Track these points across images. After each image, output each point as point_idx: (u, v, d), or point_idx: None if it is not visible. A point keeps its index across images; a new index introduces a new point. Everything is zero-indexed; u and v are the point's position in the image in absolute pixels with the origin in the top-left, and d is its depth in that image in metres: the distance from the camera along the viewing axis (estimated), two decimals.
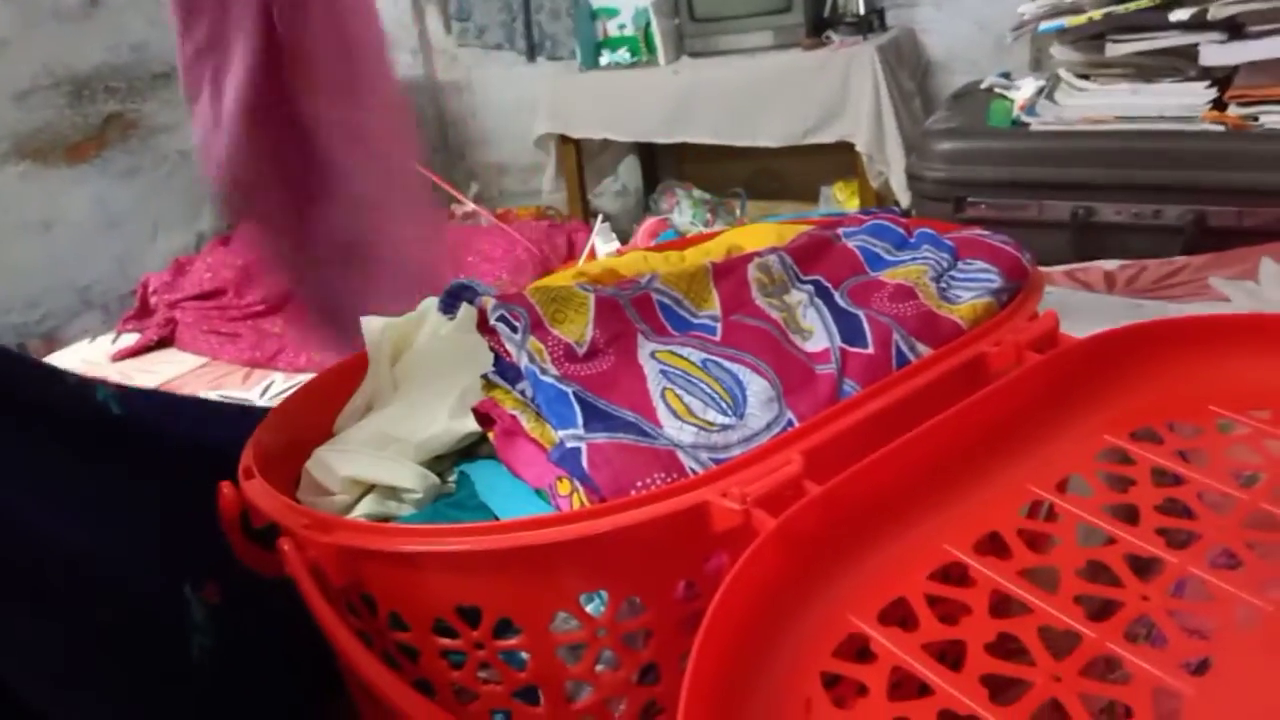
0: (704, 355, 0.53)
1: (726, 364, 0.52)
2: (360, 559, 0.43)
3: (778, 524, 0.39)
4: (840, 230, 0.66)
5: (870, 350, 0.52)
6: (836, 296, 0.58)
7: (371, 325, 0.65)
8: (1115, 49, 1.43)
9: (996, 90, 1.76)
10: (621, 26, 2.92)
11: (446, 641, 0.44)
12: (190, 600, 0.57)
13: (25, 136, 2.56)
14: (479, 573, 0.43)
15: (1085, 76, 1.51)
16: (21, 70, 2.54)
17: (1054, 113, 1.51)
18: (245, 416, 0.67)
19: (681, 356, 0.53)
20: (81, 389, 0.57)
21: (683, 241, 0.76)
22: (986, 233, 0.62)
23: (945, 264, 0.60)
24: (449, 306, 0.66)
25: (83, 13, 2.62)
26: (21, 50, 2.52)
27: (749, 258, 0.60)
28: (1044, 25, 1.49)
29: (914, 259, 0.61)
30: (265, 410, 0.63)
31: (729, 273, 0.59)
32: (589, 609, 0.43)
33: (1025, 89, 1.64)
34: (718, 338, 0.55)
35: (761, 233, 0.71)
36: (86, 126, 2.70)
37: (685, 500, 0.42)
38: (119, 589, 0.54)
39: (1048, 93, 1.57)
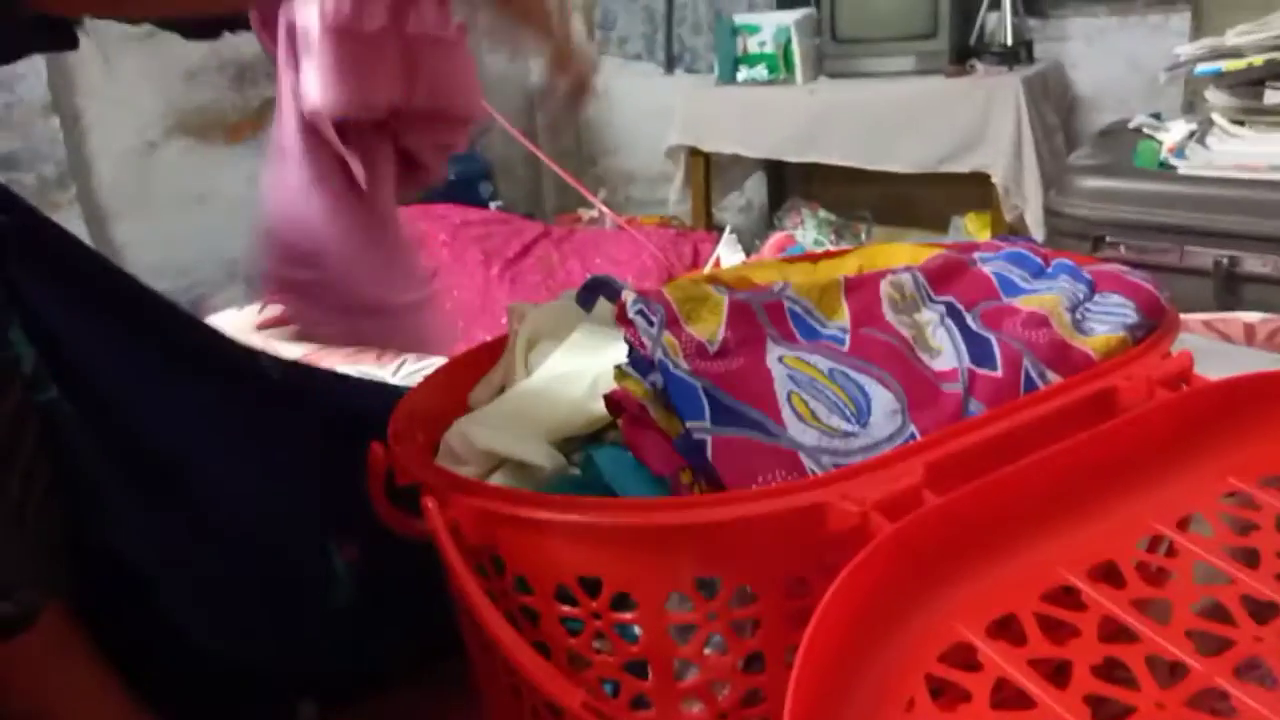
0: (831, 364, 0.54)
1: (853, 374, 0.53)
2: (496, 522, 0.46)
3: (894, 529, 0.40)
4: (976, 255, 0.66)
5: (999, 373, 0.53)
6: (968, 318, 0.59)
7: (515, 310, 0.68)
8: (1274, 96, 1.38)
9: (1145, 130, 1.71)
10: (761, 43, 2.93)
11: (566, 609, 0.47)
12: (331, 554, 0.62)
13: (189, 114, 2.73)
14: (603, 546, 0.46)
15: (1240, 123, 1.46)
16: (193, 51, 2.70)
17: (1205, 157, 1.47)
18: (384, 391, 0.73)
19: (809, 364, 0.54)
20: (248, 354, 0.63)
21: (814, 255, 0.77)
22: (1125, 268, 0.62)
23: (1081, 295, 0.60)
24: (587, 300, 0.69)
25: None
26: None
27: (882, 274, 0.61)
28: (1200, 68, 1.45)
29: (1049, 288, 0.61)
30: (401, 388, 0.67)
31: (861, 287, 0.61)
32: (702, 593, 0.46)
33: (1175, 131, 1.60)
34: (846, 348, 0.56)
35: (895, 252, 0.71)
36: (246, 108, 2.85)
37: (804, 498, 0.44)
38: (266, 529, 0.59)
39: (1199, 137, 1.52)
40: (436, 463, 0.59)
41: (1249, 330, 1.11)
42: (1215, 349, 1.05)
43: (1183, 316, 1.12)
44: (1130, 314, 0.57)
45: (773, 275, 0.69)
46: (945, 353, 0.55)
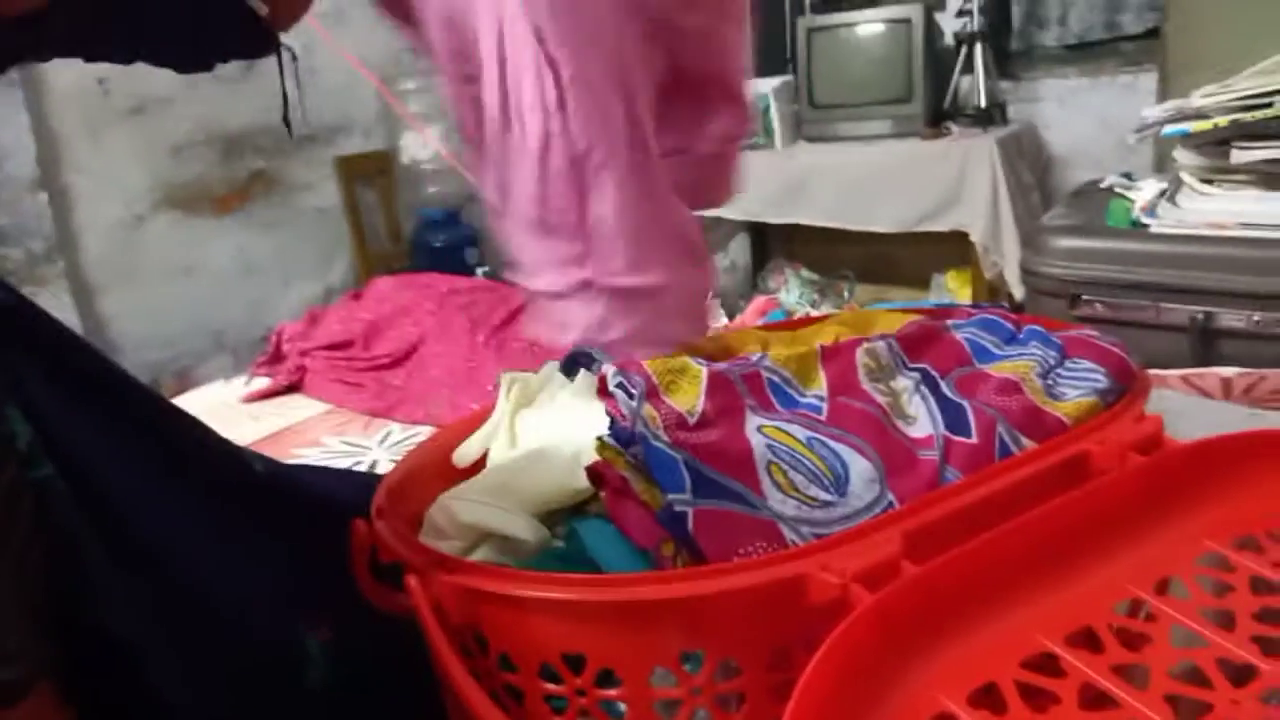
0: (810, 433, 0.55)
1: (831, 443, 0.54)
2: (479, 600, 0.47)
3: (874, 600, 0.40)
4: (949, 321, 0.67)
5: (974, 440, 0.54)
6: (943, 385, 0.60)
7: (506, 378, 0.69)
8: (1241, 156, 1.41)
9: (1117, 190, 1.75)
10: None
11: (551, 686, 0.47)
12: (303, 634, 0.62)
13: (177, 187, 2.76)
14: (586, 622, 0.46)
15: (1209, 181, 1.50)
16: (180, 126, 2.75)
17: (1175, 216, 1.50)
18: (359, 480, 0.74)
19: (787, 433, 0.55)
20: (231, 446, 0.64)
21: (793, 323, 0.79)
22: (1095, 333, 0.63)
23: (1052, 361, 0.61)
24: (569, 370, 0.70)
25: (240, 75, 2.82)
26: (182, 108, 2.73)
27: (857, 342, 0.62)
28: (1168, 130, 1.49)
29: (1021, 354, 0.62)
30: (376, 476, 0.68)
31: (837, 355, 0.62)
32: (686, 667, 0.46)
33: (1147, 190, 1.63)
34: (823, 417, 0.57)
35: (873, 319, 0.73)
36: (233, 180, 2.89)
37: (785, 570, 0.44)
38: (249, 612, 0.59)
39: (1170, 195, 1.55)
40: (420, 538, 0.59)
41: (1226, 384, 1.13)
42: (1193, 404, 1.06)
43: (1161, 372, 1.14)
44: (1101, 379, 0.58)
45: (752, 344, 0.70)
46: (921, 420, 0.56)
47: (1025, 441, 0.54)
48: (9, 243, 2.38)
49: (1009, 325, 0.67)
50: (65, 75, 2.44)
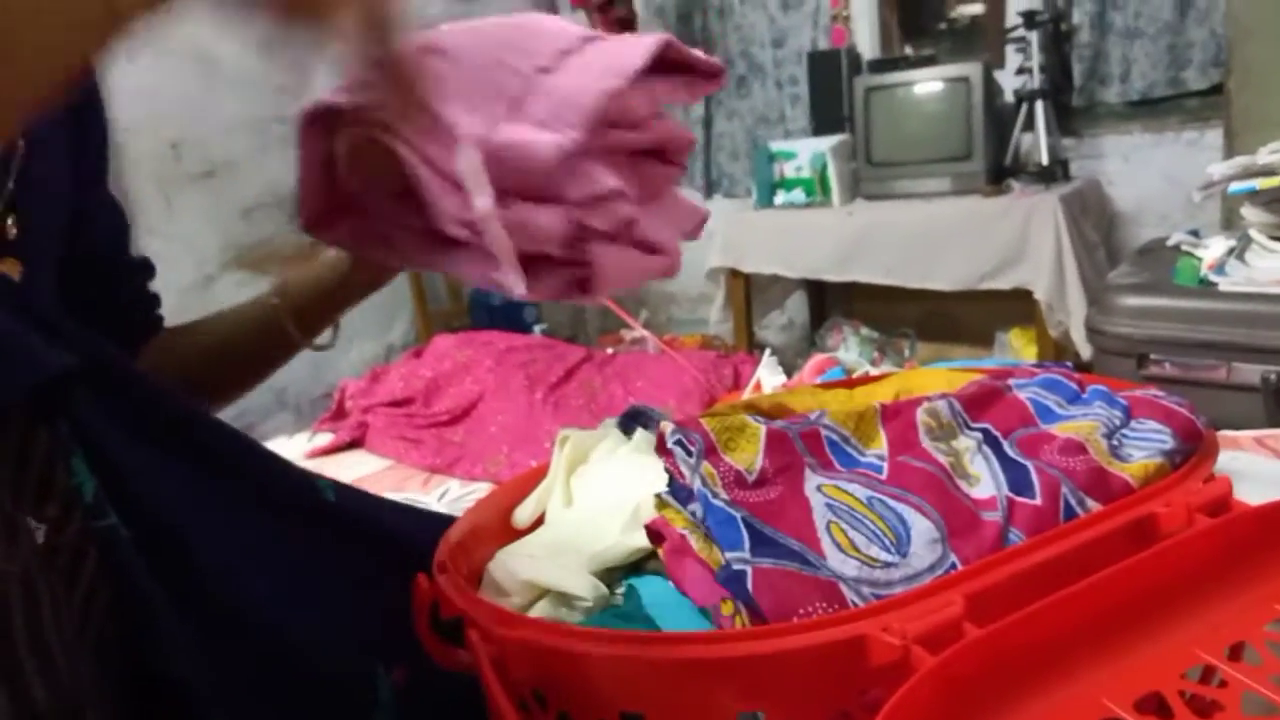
0: (870, 493, 0.55)
1: (892, 503, 0.54)
2: (539, 656, 0.47)
3: (936, 663, 0.40)
4: (1011, 381, 0.67)
5: (1038, 501, 0.53)
6: (1005, 446, 0.59)
7: (562, 436, 0.70)
8: None
9: (1184, 247, 1.72)
10: (798, 168, 3.01)
11: None
12: (380, 680, 0.62)
13: (245, 249, 2.84)
14: (645, 681, 0.46)
15: (1279, 238, 1.47)
16: (249, 189, 2.84)
17: (1245, 274, 1.47)
18: (429, 519, 0.74)
19: (847, 492, 0.55)
20: (305, 477, 0.65)
21: (850, 381, 0.79)
22: (1161, 393, 0.62)
23: (1118, 421, 0.60)
24: (628, 428, 0.71)
25: None
26: (252, 172, 2.82)
27: (918, 401, 0.62)
28: (1234, 187, 1.47)
29: (1085, 415, 0.61)
30: (446, 516, 0.68)
31: (897, 414, 0.62)
32: None
33: (1214, 248, 1.61)
34: (884, 476, 0.57)
35: (931, 377, 0.72)
36: (300, 242, 2.96)
37: (845, 631, 0.44)
38: (317, 657, 0.60)
39: (1238, 253, 1.53)
40: (480, 594, 0.60)
41: None
42: (1266, 467, 1.03)
43: (1233, 434, 1.11)
44: (1167, 439, 0.57)
45: (809, 402, 0.70)
46: (984, 480, 0.56)
47: (1090, 503, 0.53)
48: None
49: (1072, 385, 0.66)
50: (138, 140, 2.54)
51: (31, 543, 0.48)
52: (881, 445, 0.60)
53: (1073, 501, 0.53)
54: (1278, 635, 0.43)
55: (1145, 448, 0.57)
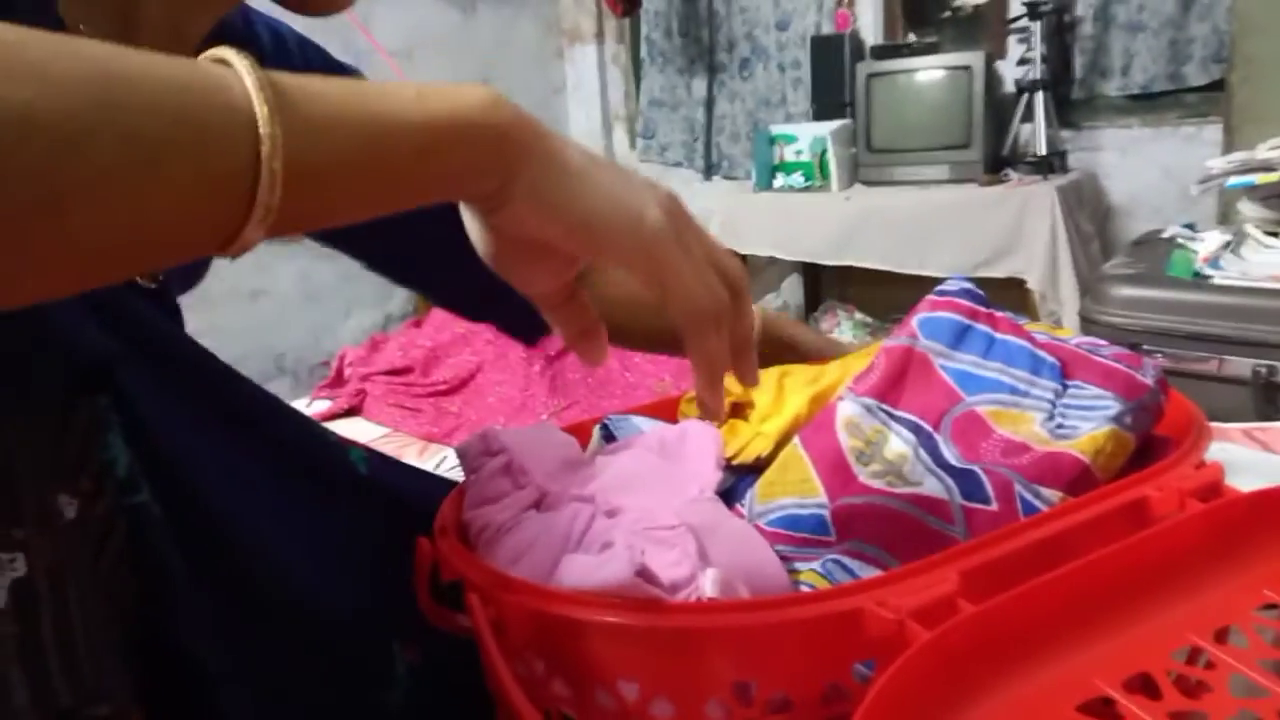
0: (823, 559, 0.54)
1: (848, 562, 0.53)
2: (536, 620, 0.48)
3: (930, 638, 0.41)
4: (917, 337, 0.64)
5: (994, 507, 0.53)
6: (941, 444, 0.58)
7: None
8: None
9: (1179, 240, 1.73)
10: (798, 152, 3.01)
11: (605, 710, 0.48)
12: (396, 655, 0.62)
13: None
14: (641, 648, 0.47)
15: (1274, 234, 1.48)
16: None
17: (1239, 268, 1.48)
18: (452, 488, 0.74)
19: (800, 571, 0.54)
20: (340, 447, 0.65)
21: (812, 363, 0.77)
22: (1095, 343, 0.62)
23: (1053, 394, 0.59)
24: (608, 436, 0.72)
25: None
26: None
27: (831, 417, 0.60)
28: (1232, 181, 1.48)
29: (1018, 405, 0.60)
30: None
31: (816, 435, 0.60)
32: (740, 699, 0.46)
33: (1210, 242, 1.61)
34: (833, 537, 0.56)
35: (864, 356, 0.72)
36: None
37: (841, 604, 0.45)
38: (340, 634, 0.60)
39: (1234, 247, 1.54)
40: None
41: None
42: (1256, 458, 1.05)
43: (1224, 426, 1.12)
44: (1111, 403, 0.56)
45: (765, 398, 0.69)
46: (927, 482, 0.55)
47: (1047, 493, 0.53)
48: None
49: (982, 327, 0.64)
50: None
51: (62, 525, 0.47)
52: (819, 492, 0.58)
53: (1029, 496, 0.53)
54: (1265, 620, 0.44)
55: (1091, 418, 0.56)
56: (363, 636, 0.61)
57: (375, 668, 0.62)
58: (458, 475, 0.66)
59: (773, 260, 3.16)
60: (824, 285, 3.53)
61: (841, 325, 3.19)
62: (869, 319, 3.24)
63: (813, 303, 3.51)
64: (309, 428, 0.65)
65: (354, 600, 0.61)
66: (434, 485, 0.71)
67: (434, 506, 0.64)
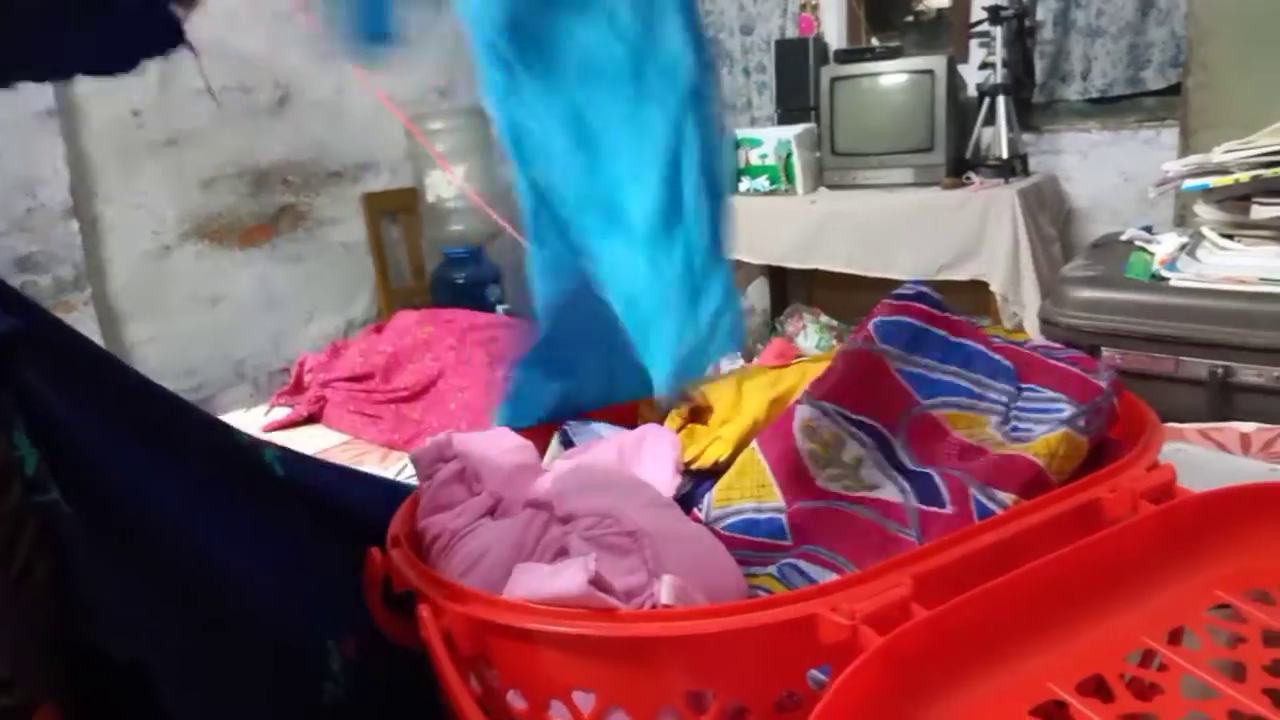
0: (780, 562, 0.54)
1: (804, 566, 0.53)
2: (488, 631, 0.47)
3: (883, 642, 0.40)
4: (875, 341, 0.65)
5: (949, 510, 0.53)
6: (897, 448, 0.58)
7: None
8: (1261, 211, 1.41)
9: (1137, 243, 1.75)
10: (763, 156, 3.01)
11: None
12: (330, 651, 0.62)
13: (206, 220, 2.79)
14: (594, 658, 0.46)
15: (1230, 236, 1.50)
16: (211, 160, 2.79)
17: (1195, 270, 1.49)
18: (390, 490, 0.73)
19: (757, 575, 0.54)
20: (253, 448, 0.64)
21: (774, 365, 0.78)
22: (1050, 346, 0.62)
23: (1007, 397, 0.59)
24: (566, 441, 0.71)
25: (271, 111, 2.86)
26: (214, 142, 2.77)
27: (790, 420, 0.61)
28: (1188, 184, 1.49)
29: (974, 408, 0.60)
30: (401, 484, 0.68)
31: (775, 440, 0.60)
32: (694, 708, 0.46)
33: (1167, 244, 1.63)
34: (789, 542, 0.56)
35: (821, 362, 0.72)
36: (261, 214, 2.92)
37: (795, 610, 0.44)
38: (267, 629, 0.59)
39: (1190, 249, 1.55)
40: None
41: (1244, 439, 1.12)
42: (1211, 458, 1.06)
43: (1180, 426, 1.13)
44: (1065, 406, 0.57)
45: (728, 397, 0.69)
46: (884, 486, 0.56)
47: (1001, 495, 0.53)
48: (38, 269, 2.41)
49: (939, 332, 0.64)
50: (102, 106, 2.48)
51: None
52: (776, 496, 0.58)
53: (983, 499, 0.53)
54: (1217, 620, 0.44)
55: (1045, 420, 0.57)
56: (291, 631, 0.61)
57: (309, 663, 0.61)
58: (400, 477, 0.65)
59: (739, 264, 3.16)
60: (790, 288, 3.54)
61: (807, 328, 3.20)
62: (834, 321, 3.25)
63: (779, 306, 3.52)
64: (219, 429, 0.64)
65: (277, 595, 0.60)
66: (355, 482, 0.70)
67: (354, 503, 0.64)
